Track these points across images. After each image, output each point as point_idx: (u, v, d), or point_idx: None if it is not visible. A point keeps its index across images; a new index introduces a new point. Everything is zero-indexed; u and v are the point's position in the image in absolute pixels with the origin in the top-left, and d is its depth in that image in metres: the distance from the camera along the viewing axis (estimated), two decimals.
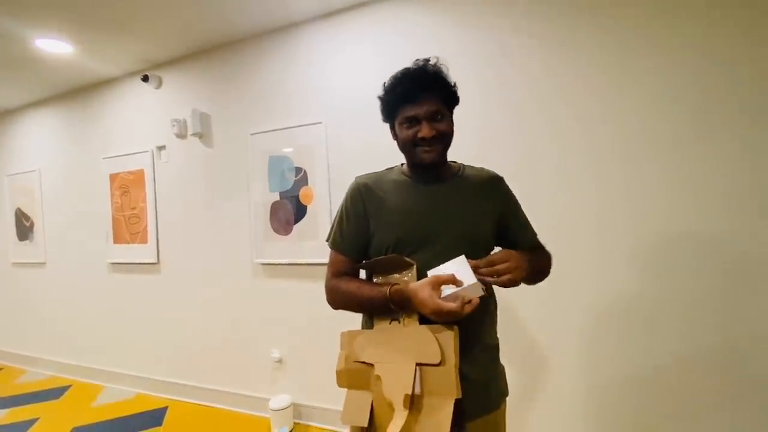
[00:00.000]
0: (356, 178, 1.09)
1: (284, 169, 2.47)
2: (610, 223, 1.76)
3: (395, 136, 1.02)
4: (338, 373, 0.97)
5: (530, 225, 1.12)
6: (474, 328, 0.93)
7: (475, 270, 0.85)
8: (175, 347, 2.90)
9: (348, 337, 0.99)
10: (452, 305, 0.81)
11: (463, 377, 0.85)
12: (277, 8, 2.24)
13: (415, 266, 0.93)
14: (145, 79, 2.85)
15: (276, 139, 2.49)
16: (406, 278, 0.94)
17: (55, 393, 3.11)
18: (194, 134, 2.72)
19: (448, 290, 0.84)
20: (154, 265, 2.97)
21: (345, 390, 0.96)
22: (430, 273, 0.88)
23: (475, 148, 1.91)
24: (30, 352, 3.66)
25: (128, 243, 3.08)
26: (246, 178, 2.59)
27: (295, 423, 2.41)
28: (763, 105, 1.54)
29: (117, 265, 3.14)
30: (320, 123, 2.34)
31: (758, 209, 1.55)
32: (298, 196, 2.43)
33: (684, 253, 1.65)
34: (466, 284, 0.83)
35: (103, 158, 3.16)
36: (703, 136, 1.62)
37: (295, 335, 2.47)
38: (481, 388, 0.94)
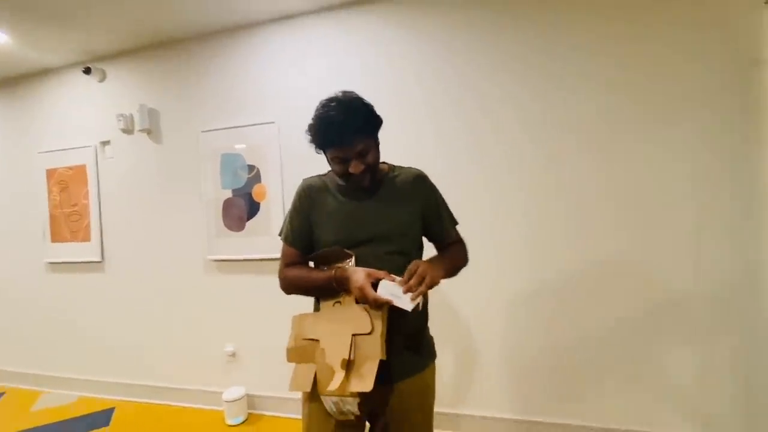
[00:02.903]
0: (303, 179, 1.22)
1: (237, 167, 2.52)
2: (531, 220, 2.03)
3: (328, 161, 1.13)
4: (288, 351, 1.10)
5: (451, 217, 1.26)
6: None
7: (407, 289, 0.98)
8: (123, 347, 2.85)
9: (298, 320, 1.13)
10: (372, 292, 0.97)
11: (393, 345, 1.01)
12: (230, 9, 2.29)
13: (354, 256, 1.08)
14: (87, 71, 2.76)
15: (228, 137, 2.53)
16: (347, 267, 1.08)
17: None
18: (142, 130, 2.68)
19: (388, 287, 0.97)
20: (97, 264, 2.88)
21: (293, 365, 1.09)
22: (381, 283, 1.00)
23: (407, 146, 2.09)
24: None
25: (68, 241, 2.97)
26: (197, 175, 2.60)
27: (249, 413, 2.48)
28: (665, 110, 1.84)
29: (56, 265, 3.01)
30: (273, 123, 2.42)
31: (659, 209, 1.87)
32: (251, 193, 2.50)
33: (594, 245, 1.95)
34: (402, 301, 0.96)
35: (39, 153, 3.01)
36: (612, 139, 1.91)
37: (249, 329, 2.54)
38: (408, 354, 1.11)
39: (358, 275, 1.00)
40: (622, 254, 1.92)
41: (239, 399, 2.41)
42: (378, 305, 0.98)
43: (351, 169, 1.05)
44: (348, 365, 0.97)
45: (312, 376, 1.03)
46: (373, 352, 0.97)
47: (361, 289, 0.98)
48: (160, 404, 2.71)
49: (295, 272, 1.15)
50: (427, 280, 0.98)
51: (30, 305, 3.11)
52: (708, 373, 1.83)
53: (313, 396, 1.05)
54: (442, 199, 1.26)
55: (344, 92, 1.08)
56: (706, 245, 1.81)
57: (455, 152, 2.12)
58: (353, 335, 0.99)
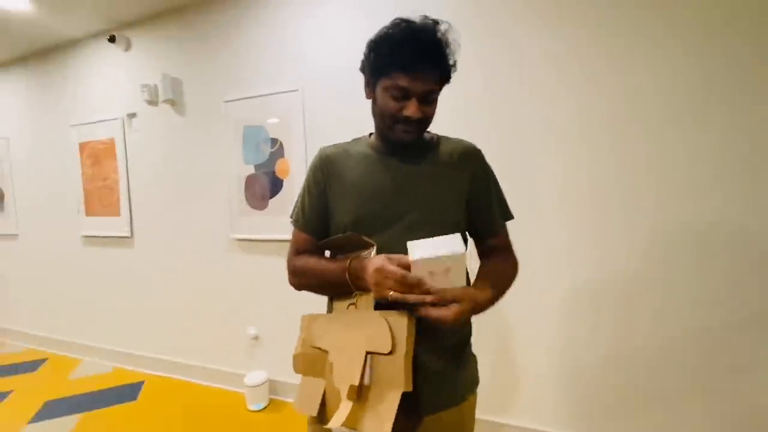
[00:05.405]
0: (320, 148, 0.99)
1: (259, 140, 2.34)
2: (593, 208, 1.70)
3: (372, 95, 0.88)
4: (295, 357, 0.90)
5: (504, 209, 0.98)
6: None
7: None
8: (151, 322, 2.84)
9: (308, 321, 0.92)
10: (395, 268, 0.72)
11: (423, 367, 0.78)
12: None
13: (375, 247, 0.84)
14: (112, 39, 2.66)
15: (251, 107, 2.35)
16: (366, 256, 0.86)
17: (30, 366, 3.06)
18: (165, 101, 2.56)
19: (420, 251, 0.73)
20: (127, 239, 2.86)
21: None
22: (409, 244, 0.77)
23: (451, 118, 1.82)
24: (3, 324, 3.58)
25: (101, 215, 2.96)
26: (220, 149, 2.46)
27: (270, 399, 2.38)
28: (760, 89, 1.45)
29: (90, 239, 3.03)
30: (296, 91, 2.21)
31: (751, 195, 1.49)
32: (274, 170, 2.32)
33: (665, 238, 1.60)
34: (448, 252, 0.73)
35: (71, 125, 2.99)
36: (698, 118, 1.53)
37: (272, 312, 2.42)
38: (442, 380, 0.86)
39: (376, 259, 0.77)
40: (706, 232, 1.56)
41: (261, 384, 2.31)
42: (408, 286, 0.72)
43: (407, 111, 0.81)
44: (360, 392, 0.74)
45: (320, 395, 0.83)
46: (394, 380, 0.72)
47: (380, 270, 0.74)
48: (186, 381, 2.69)
49: (304, 261, 0.93)
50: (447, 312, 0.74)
51: (68, 276, 3.18)
52: None
53: (318, 418, 0.85)
54: (497, 185, 0.98)
55: (433, 21, 0.84)
56: None
57: (518, 124, 1.82)
58: (367, 353, 0.76)
